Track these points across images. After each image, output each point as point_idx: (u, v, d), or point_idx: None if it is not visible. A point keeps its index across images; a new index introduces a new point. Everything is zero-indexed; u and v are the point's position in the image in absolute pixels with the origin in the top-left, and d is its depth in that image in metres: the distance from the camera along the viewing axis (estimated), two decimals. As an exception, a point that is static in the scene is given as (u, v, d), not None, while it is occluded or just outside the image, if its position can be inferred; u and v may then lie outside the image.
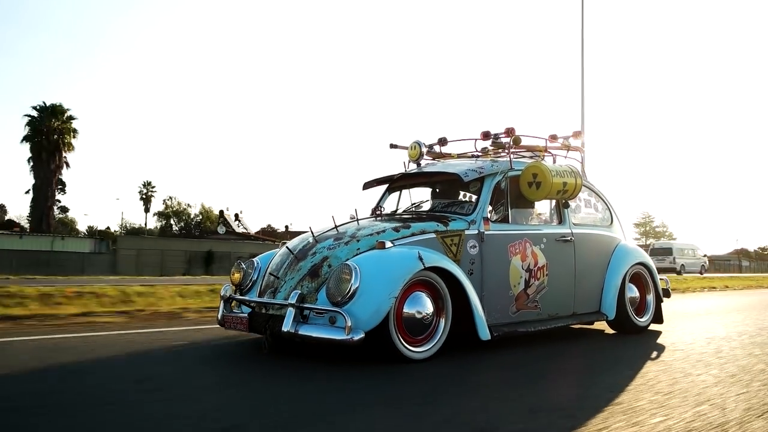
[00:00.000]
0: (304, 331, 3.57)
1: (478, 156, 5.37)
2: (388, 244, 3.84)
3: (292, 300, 3.66)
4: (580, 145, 5.44)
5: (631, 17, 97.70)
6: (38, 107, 41.29)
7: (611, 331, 5.44)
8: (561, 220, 4.99)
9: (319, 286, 3.75)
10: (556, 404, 2.80)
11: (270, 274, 4.12)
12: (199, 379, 3.35)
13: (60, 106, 41.65)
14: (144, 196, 59.42)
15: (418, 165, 5.15)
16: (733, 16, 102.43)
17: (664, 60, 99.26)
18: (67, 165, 42.21)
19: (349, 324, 3.41)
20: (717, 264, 55.97)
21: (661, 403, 2.75)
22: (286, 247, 4.21)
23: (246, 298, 4.15)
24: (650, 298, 5.58)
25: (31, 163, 40.92)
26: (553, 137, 5.31)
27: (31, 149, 40.55)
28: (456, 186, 5.01)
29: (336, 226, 4.27)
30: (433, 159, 5.40)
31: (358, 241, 3.96)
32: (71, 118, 42.13)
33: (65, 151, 41.53)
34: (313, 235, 4.21)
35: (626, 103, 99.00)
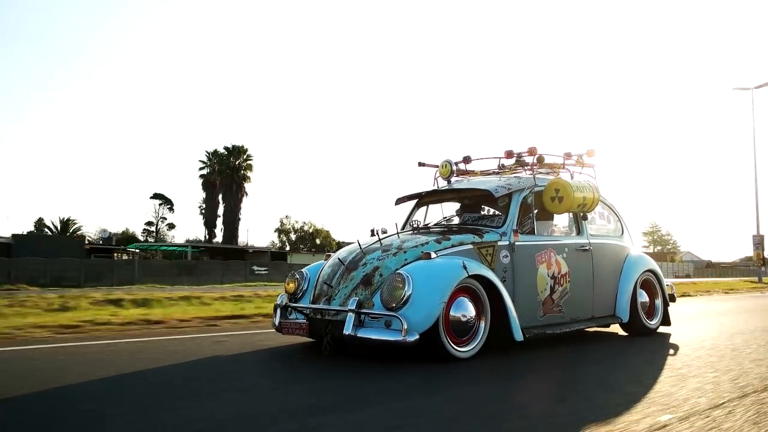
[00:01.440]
0: (363, 333, 3.97)
1: (497, 173, 5.82)
2: (433, 255, 4.26)
3: (351, 306, 4.06)
4: (593, 162, 5.90)
5: (636, 23, 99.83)
6: (226, 147, 52.59)
7: (624, 333, 5.88)
8: (579, 232, 5.45)
9: (373, 293, 4.15)
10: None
11: (324, 283, 4.51)
12: (280, 376, 3.74)
13: (242, 146, 52.64)
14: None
15: (449, 182, 5.58)
16: (731, 24, 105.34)
17: (667, 69, 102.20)
18: (246, 194, 53.13)
19: (405, 327, 3.82)
20: (733, 269, 61.06)
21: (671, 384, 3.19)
22: (338, 258, 4.62)
23: (301, 305, 4.55)
24: (658, 302, 6.03)
25: (222, 193, 52.09)
26: (568, 155, 5.77)
27: (221, 182, 51.66)
28: (486, 201, 5.45)
29: (380, 239, 4.69)
30: (458, 176, 5.83)
31: (405, 252, 4.38)
32: (249, 156, 53.07)
33: (245, 183, 52.47)
34: (361, 247, 4.62)
35: (635, 114, 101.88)
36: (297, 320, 4.43)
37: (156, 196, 63.59)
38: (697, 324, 7.37)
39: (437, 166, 5.79)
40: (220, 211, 52.84)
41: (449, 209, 5.80)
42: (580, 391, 3.37)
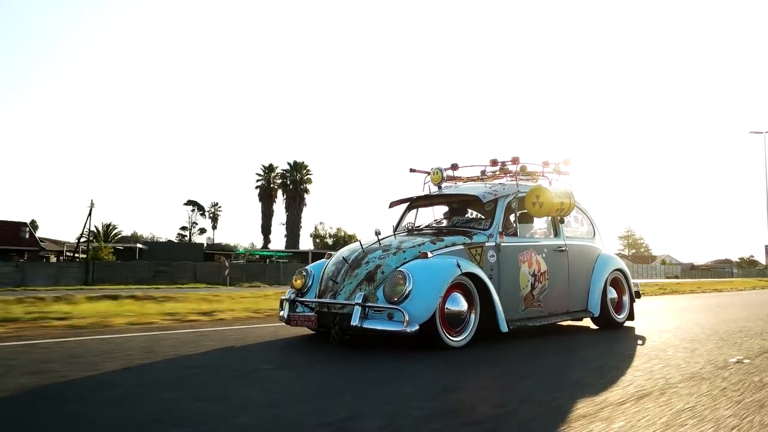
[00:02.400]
0: (369, 324, 4.43)
1: (481, 179, 6.34)
2: (430, 255, 4.74)
3: (358, 300, 4.51)
4: (569, 170, 6.45)
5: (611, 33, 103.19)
6: (288, 163, 61.54)
7: (594, 327, 6.46)
8: (557, 234, 5.99)
9: (376, 289, 4.61)
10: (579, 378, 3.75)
11: (330, 279, 4.95)
12: (300, 361, 4.17)
13: (303, 162, 61.33)
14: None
15: (439, 187, 6.07)
16: (708, 32, 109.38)
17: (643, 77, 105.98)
18: (306, 204, 61.58)
19: (407, 318, 4.29)
20: (710, 271, 69.57)
21: (643, 368, 3.74)
22: (342, 257, 5.06)
23: (308, 300, 4.98)
24: (626, 298, 6.63)
25: (285, 203, 61.06)
26: (546, 163, 6.31)
27: (284, 194, 60.87)
28: (474, 206, 5.95)
29: (379, 240, 5.15)
30: (446, 182, 6.33)
31: (404, 252, 4.85)
32: (309, 171, 61.44)
33: (306, 194, 61.08)
34: (362, 247, 5.07)
35: (612, 120, 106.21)
36: (305, 313, 4.86)
37: (190, 202, 72.85)
38: (660, 317, 8.03)
39: (428, 173, 6.28)
40: (282, 219, 61.97)
41: (438, 212, 6.29)
42: (562, 374, 3.89)
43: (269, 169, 60.86)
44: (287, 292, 5.27)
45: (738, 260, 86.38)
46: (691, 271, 72.17)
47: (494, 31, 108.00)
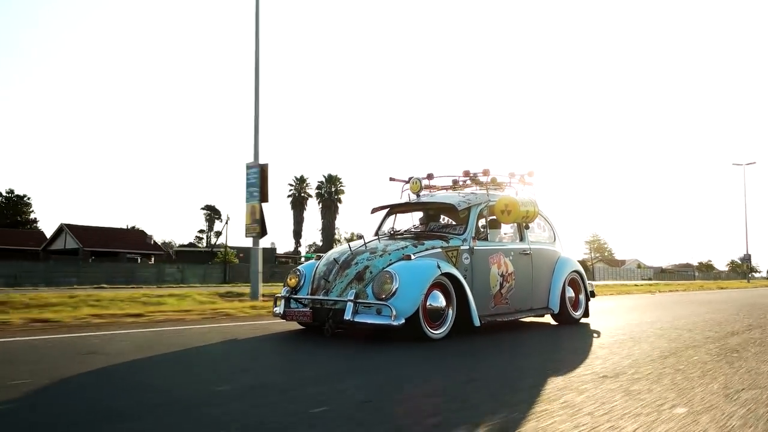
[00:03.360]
0: (360, 318, 4.97)
1: (454, 188, 6.96)
2: (413, 257, 5.31)
3: (350, 297, 5.04)
4: (532, 181, 7.13)
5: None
6: (324, 176, 68.67)
7: (554, 323, 7.14)
8: (522, 239, 6.65)
9: (365, 287, 5.15)
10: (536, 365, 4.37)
11: (321, 278, 5.46)
12: (298, 353, 4.67)
13: (336, 175, 68.84)
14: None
15: (418, 196, 6.65)
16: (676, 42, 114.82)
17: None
18: (339, 213, 69.25)
19: (394, 313, 4.84)
20: (675, 274, 77.87)
21: (600, 356, 4.39)
22: (332, 258, 5.58)
23: (302, 297, 5.48)
24: (582, 297, 7.35)
25: (321, 212, 68.54)
26: (512, 174, 6.97)
27: (320, 203, 68.39)
28: (449, 213, 6.55)
29: (365, 243, 5.69)
30: (423, 191, 6.91)
31: (389, 254, 5.40)
32: (341, 183, 69.06)
33: (339, 204, 68.75)
34: (351, 249, 5.60)
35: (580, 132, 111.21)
36: (300, 309, 5.36)
37: (207, 207, 78.97)
38: (613, 316, 8.80)
39: (405, 181, 6.85)
40: (318, 226, 69.45)
41: (415, 218, 6.88)
42: (529, 361, 4.51)
43: (300, 180, 68.17)
44: (282, 290, 5.75)
45: (697, 264, 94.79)
46: (662, 273, 78.76)
47: (454, 49, 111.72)
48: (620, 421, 2.51)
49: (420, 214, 6.97)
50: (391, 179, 6.93)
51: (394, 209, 6.82)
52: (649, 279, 65.52)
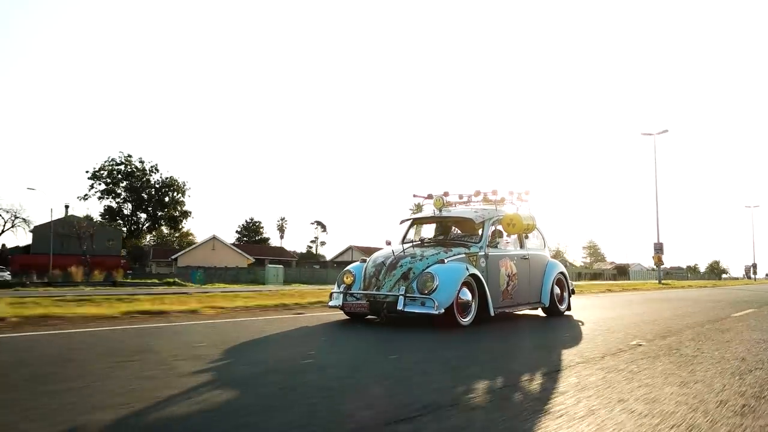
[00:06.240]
0: (409, 308, 6.39)
1: (465, 203, 8.46)
2: (446, 261, 6.77)
3: (401, 291, 6.46)
4: (528, 198, 8.67)
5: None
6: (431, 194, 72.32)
7: (544, 315, 8.71)
8: (522, 246, 8.19)
9: (410, 284, 6.57)
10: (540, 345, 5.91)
11: (372, 277, 6.86)
12: (365, 338, 6.07)
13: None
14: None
15: (440, 210, 8.12)
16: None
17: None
18: None
19: (437, 304, 6.29)
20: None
21: (580, 339, 5.95)
22: (380, 260, 6.98)
23: (356, 291, 6.87)
24: (566, 294, 8.95)
25: None
26: (511, 192, 8.50)
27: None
28: (464, 225, 8.04)
29: (404, 249, 7.12)
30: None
31: (426, 258, 6.84)
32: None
33: None
34: (394, 254, 7.02)
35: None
36: (358, 302, 6.75)
37: (315, 222, 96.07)
38: (591, 310, 10.47)
39: (426, 197, 8.31)
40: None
41: (431, 229, 8.37)
42: (534, 340, 6.03)
43: (418, 208, 79.12)
44: (338, 287, 7.12)
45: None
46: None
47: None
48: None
49: (434, 225, 8.44)
50: (415, 195, 8.38)
51: (417, 221, 8.27)
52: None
